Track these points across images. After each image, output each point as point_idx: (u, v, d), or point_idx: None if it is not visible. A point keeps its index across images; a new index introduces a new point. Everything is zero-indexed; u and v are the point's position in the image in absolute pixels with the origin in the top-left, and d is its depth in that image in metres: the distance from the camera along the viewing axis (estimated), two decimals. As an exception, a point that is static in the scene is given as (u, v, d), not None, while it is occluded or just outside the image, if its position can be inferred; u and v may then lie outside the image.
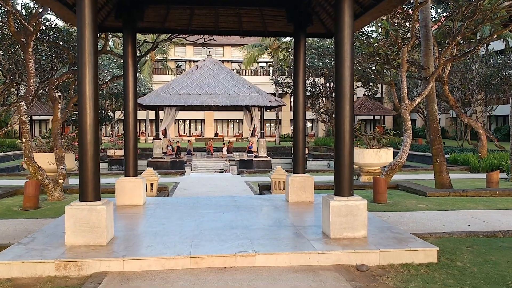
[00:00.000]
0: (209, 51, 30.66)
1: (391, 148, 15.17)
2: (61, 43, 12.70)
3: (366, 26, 13.52)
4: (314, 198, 8.85)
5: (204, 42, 16.01)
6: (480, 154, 20.33)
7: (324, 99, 38.90)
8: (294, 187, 8.79)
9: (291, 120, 50.18)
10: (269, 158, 25.40)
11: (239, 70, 54.27)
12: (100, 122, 35.23)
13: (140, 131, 49.98)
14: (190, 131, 55.05)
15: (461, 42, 16.33)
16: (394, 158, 13.63)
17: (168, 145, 27.00)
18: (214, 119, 53.84)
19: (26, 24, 9.94)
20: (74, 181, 13.94)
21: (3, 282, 4.67)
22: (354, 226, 5.85)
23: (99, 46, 9.33)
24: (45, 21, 12.16)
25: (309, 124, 53.08)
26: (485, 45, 28.99)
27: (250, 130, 27.88)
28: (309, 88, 36.31)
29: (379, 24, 13.66)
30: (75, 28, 5.71)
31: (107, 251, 5.26)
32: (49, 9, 9.37)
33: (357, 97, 39.49)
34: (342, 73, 5.89)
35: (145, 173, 11.51)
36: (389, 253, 5.32)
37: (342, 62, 5.88)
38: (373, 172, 14.98)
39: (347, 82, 5.89)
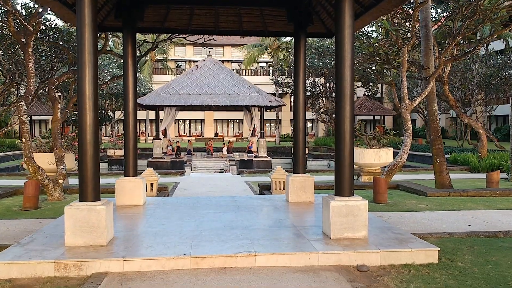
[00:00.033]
0: (209, 51, 30.65)
1: (391, 148, 15.16)
2: (61, 43, 12.68)
3: (366, 26, 13.50)
4: (314, 198, 8.84)
5: (204, 42, 16.00)
6: (480, 154, 20.33)
7: (324, 99, 38.91)
8: (294, 187, 8.78)
9: (291, 120, 50.19)
10: (269, 158, 25.39)
11: (239, 70, 54.26)
12: (100, 122, 35.31)
13: (140, 131, 49.97)
14: (190, 131, 55.04)
15: (461, 42, 16.32)
16: (394, 158, 13.62)
17: (168, 145, 26.99)
18: (214, 119, 53.83)
19: (26, 24, 9.92)
20: (74, 181, 13.92)
21: (2, 282, 4.66)
22: (355, 226, 5.83)
23: (99, 46, 9.32)
24: (45, 21, 12.14)
25: (309, 124, 53.07)
26: (485, 45, 28.96)
27: (250, 130, 27.87)
28: (309, 88, 36.32)
29: (379, 24, 13.63)
30: (75, 28, 5.69)
31: (107, 252, 5.24)
32: (49, 9, 9.36)
33: (357, 97, 39.47)
34: (343, 73, 5.87)
35: (145, 173, 11.49)
36: (389, 254, 5.31)
37: (343, 62, 5.86)
38: (373, 172, 14.97)
39: (347, 82, 5.88)
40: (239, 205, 8.44)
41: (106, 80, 23.81)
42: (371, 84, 36.13)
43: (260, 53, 44.37)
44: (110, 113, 40.41)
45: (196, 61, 42.36)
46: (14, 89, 16.09)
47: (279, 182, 11.77)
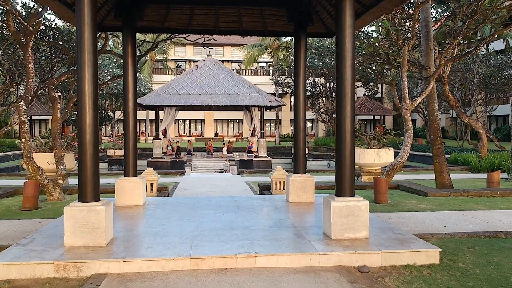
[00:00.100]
0: (209, 51, 30.64)
1: (392, 148, 15.15)
2: (60, 42, 12.65)
3: (367, 26, 13.48)
4: (315, 199, 8.81)
5: (204, 42, 15.97)
6: (480, 154, 20.30)
7: (324, 99, 38.88)
8: (295, 188, 8.75)
9: (291, 120, 50.17)
10: (269, 158, 25.37)
11: (239, 70, 54.25)
12: (100, 122, 35.35)
13: (140, 131, 49.95)
14: (190, 131, 55.02)
15: (462, 42, 16.29)
16: (394, 158, 13.59)
17: (168, 145, 26.96)
18: (214, 119, 53.81)
19: (26, 23, 9.90)
20: (73, 181, 13.89)
21: (1, 283, 4.63)
22: (356, 227, 5.81)
23: (98, 46, 9.30)
24: (44, 21, 12.12)
25: (309, 124, 53.04)
26: (485, 45, 28.92)
27: (250, 130, 27.84)
28: (309, 88, 36.29)
29: (379, 24, 13.61)
30: (75, 27, 5.67)
31: (107, 252, 5.22)
32: (48, 8, 9.33)
33: (357, 97, 39.42)
34: (343, 72, 5.85)
35: (145, 173, 11.47)
36: (390, 254, 5.28)
37: (343, 61, 5.84)
38: (374, 172, 14.95)
39: (348, 81, 5.85)
40: (239, 205, 8.41)
41: (106, 80, 23.81)
42: (371, 84, 36.09)
43: (260, 53, 44.34)
44: (110, 113, 40.38)
45: (196, 61, 42.35)
46: (14, 89, 16.05)
47: (279, 182, 11.74)
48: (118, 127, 48.14)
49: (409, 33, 13.96)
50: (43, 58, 14.19)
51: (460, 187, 12.14)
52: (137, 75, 17.51)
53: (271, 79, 43.80)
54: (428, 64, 12.65)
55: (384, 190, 9.58)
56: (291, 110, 46.89)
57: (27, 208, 8.86)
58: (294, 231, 6.32)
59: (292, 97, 37.45)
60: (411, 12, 13.82)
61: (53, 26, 12.46)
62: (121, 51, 9.34)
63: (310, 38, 22.08)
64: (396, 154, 14.38)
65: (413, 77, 16.25)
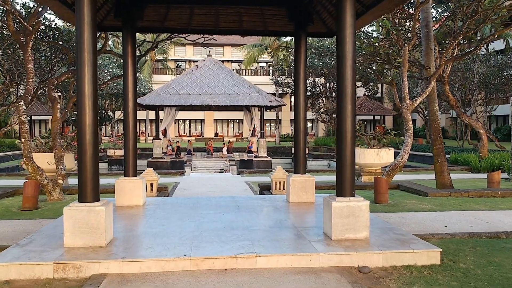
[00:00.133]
0: (209, 51, 30.64)
1: (392, 148, 15.13)
2: (60, 42, 12.63)
3: (367, 26, 13.47)
4: (315, 199, 8.79)
5: (204, 42, 15.95)
6: (480, 154, 20.29)
7: (324, 99, 38.87)
8: (295, 188, 8.73)
9: (291, 120, 50.16)
10: (269, 158, 25.35)
11: (239, 70, 54.24)
12: (100, 122, 35.34)
13: (140, 131, 49.94)
14: (190, 131, 55.01)
15: (462, 41, 16.28)
16: (394, 158, 13.58)
17: (168, 145, 26.94)
18: (214, 119, 53.80)
19: (25, 23, 9.88)
20: (73, 181, 13.87)
21: (1, 284, 4.61)
22: (356, 227, 5.79)
23: (98, 46, 9.28)
24: (44, 21, 12.10)
25: (309, 124, 53.03)
26: (485, 45, 28.92)
27: (250, 130, 27.83)
28: (309, 88, 36.29)
29: (380, 24, 13.59)
30: (75, 27, 5.65)
31: (106, 253, 5.20)
32: (48, 8, 9.31)
33: (357, 97, 39.42)
34: (344, 72, 5.83)
35: (145, 173, 11.45)
36: (391, 255, 5.26)
37: (344, 61, 5.82)
38: (374, 172, 14.94)
39: (349, 81, 5.83)
40: (239, 206, 8.40)
41: (106, 80, 23.78)
42: (371, 84, 36.09)
43: (260, 53, 44.33)
44: (110, 113, 40.36)
45: (196, 61, 42.35)
46: (13, 89, 16.04)
47: (280, 182, 11.72)
48: (118, 127, 48.13)
49: (409, 33, 13.94)
50: (43, 58, 14.16)
51: (461, 187, 12.12)
52: (137, 75, 17.49)
53: (271, 79, 43.80)
54: (428, 64, 12.64)
55: (385, 190, 9.56)
56: (291, 110, 46.93)
57: (26, 208, 8.85)
58: (295, 232, 6.30)
59: (292, 97, 37.46)
60: (412, 12, 13.81)
61: (53, 26, 12.44)
62: (121, 51, 9.33)
63: (310, 38, 22.04)
64: (396, 154, 14.36)
65: (413, 77, 16.23)
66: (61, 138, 11.19)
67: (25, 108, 9.82)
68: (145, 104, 24.00)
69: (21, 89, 16.74)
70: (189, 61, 55.19)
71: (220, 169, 24.40)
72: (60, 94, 31.66)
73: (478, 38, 26.03)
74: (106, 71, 33.17)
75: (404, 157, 11.55)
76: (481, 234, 6.56)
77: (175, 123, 48.96)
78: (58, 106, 10.76)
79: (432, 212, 8.55)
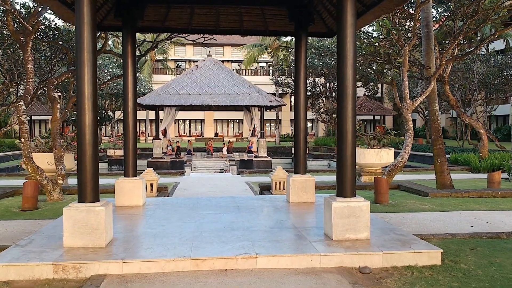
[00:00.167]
0: (209, 51, 30.63)
1: (392, 148, 15.12)
2: (60, 42, 12.60)
3: (367, 26, 13.45)
4: (315, 199, 8.77)
5: (204, 42, 15.93)
6: (481, 154, 20.23)
7: (324, 99, 38.85)
8: (295, 188, 8.71)
9: (291, 120, 50.16)
10: (269, 158, 25.33)
11: (239, 70, 54.22)
12: (99, 122, 35.32)
13: (140, 131, 49.92)
14: (190, 131, 54.99)
15: (462, 41, 16.26)
16: (395, 158, 13.56)
17: (168, 145, 26.92)
18: (214, 119, 53.78)
19: (25, 23, 9.86)
20: (73, 181, 13.85)
21: (0, 285, 4.59)
22: (357, 227, 5.77)
23: (98, 46, 9.27)
24: (44, 21, 12.07)
25: (309, 124, 53.00)
26: (485, 44, 28.91)
27: (250, 130, 27.81)
28: (309, 88, 36.25)
29: (380, 23, 13.58)
30: (75, 27, 5.63)
31: (106, 253, 5.18)
32: (48, 8, 9.29)
33: (357, 97, 39.38)
34: (345, 72, 5.81)
35: (144, 173, 11.43)
36: (392, 255, 5.24)
37: (345, 61, 5.80)
38: (374, 172, 14.92)
39: (349, 81, 5.81)
40: (239, 206, 8.38)
41: (105, 80, 23.75)
42: (372, 84, 36.08)
43: (260, 53, 44.32)
44: (110, 113, 40.34)
45: (196, 61, 42.32)
46: (13, 89, 16.02)
47: (280, 182, 11.70)
48: (118, 127, 48.10)
49: (409, 33, 13.92)
50: (43, 58, 14.14)
51: (461, 187, 12.11)
52: (137, 75, 17.47)
53: (271, 79, 43.78)
54: (428, 64, 12.62)
55: (385, 191, 9.54)
56: (291, 110, 46.92)
57: (26, 208, 8.83)
58: (295, 232, 6.28)
59: (292, 97, 37.41)
60: (412, 11, 13.79)
61: (52, 25, 12.42)
62: (121, 51, 9.31)
63: (310, 38, 22.01)
64: (396, 154, 14.35)
65: (414, 77, 16.21)
66: (61, 138, 11.18)
67: (25, 108, 9.80)
68: (145, 104, 23.98)
69: (21, 89, 16.72)
70: (189, 61, 55.17)
71: (220, 169, 24.38)
72: (60, 94, 31.66)
73: (478, 38, 26.03)
74: (106, 71, 33.15)
75: (404, 157, 11.53)
76: (482, 235, 6.54)
77: (175, 123, 48.94)
78: (58, 106, 10.75)
79: (433, 212, 8.54)
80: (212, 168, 24.54)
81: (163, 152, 25.48)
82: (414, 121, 45.57)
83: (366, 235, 5.79)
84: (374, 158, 14.49)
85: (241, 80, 26.44)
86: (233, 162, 24.67)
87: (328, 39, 31.82)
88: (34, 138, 14.89)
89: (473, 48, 14.13)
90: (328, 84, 38.38)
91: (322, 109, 38.27)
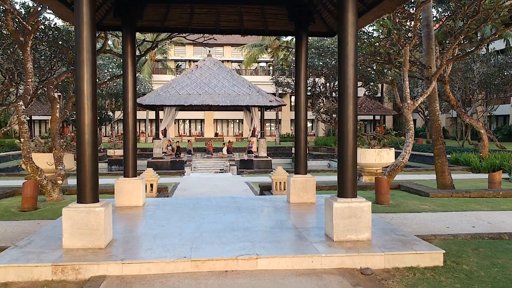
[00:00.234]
0: (209, 51, 30.59)
1: (393, 148, 15.09)
2: (60, 42, 12.58)
3: (367, 26, 13.42)
4: (316, 199, 8.74)
5: (204, 42, 15.89)
6: (481, 154, 20.23)
7: (324, 99, 38.83)
8: (296, 188, 8.68)
9: (291, 120, 50.14)
10: (269, 158, 25.30)
11: (239, 70, 54.19)
12: (99, 122, 35.27)
13: (140, 131, 49.88)
14: (190, 131, 54.95)
15: (463, 41, 16.23)
16: (395, 158, 13.52)
17: (168, 145, 26.88)
18: (214, 119, 53.75)
19: (25, 23, 9.82)
20: (73, 181, 13.81)
21: (-2, 286, 4.56)
22: (358, 228, 5.73)
23: (98, 45, 9.23)
24: (43, 20, 12.04)
25: (309, 124, 52.97)
26: (486, 44, 28.88)
27: (250, 130, 27.77)
28: (309, 88, 36.24)
29: (380, 23, 13.56)
30: (74, 27, 5.60)
31: (106, 254, 5.14)
32: (47, 7, 9.26)
33: (358, 97, 39.37)
34: (346, 71, 5.77)
35: (144, 174, 11.39)
36: (394, 256, 5.20)
37: (346, 60, 5.76)
38: (375, 172, 14.88)
39: (350, 81, 5.77)
40: (239, 206, 8.34)
41: (105, 80, 23.71)
42: (372, 84, 36.06)
43: (260, 53, 44.29)
44: (110, 113, 40.30)
45: (196, 61, 42.28)
46: (13, 89, 16.00)
47: (280, 182, 11.66)
48: (118, 127, 48.06)
49: (410, 33, 13.90)
50: (43, 57, 14.12)
51: (462, 188, 12.07)
52: (137, 75, 17.44)
53: (271, 79, 43.76)
54: (429, 63, 12.59)
55: (386, 191, 9.51)
56: (291, 110, 46.91)
57: (26, 208, 8.79)
58: (296, 233, 6.25)
59: (292, 97, 37.38)
60: (412, 11, 13.77)
61: (52, 25, 12.39)
62: (121, 51, 9.27)
63: (310, 38, 22.02)
64: (397, 154, 14.32)
65: (414, 77, 16.19)
66: (60, 138, 11.14)
67: (25, 108, 9.77)
68: (145, 104, 23.94)
69: (20, 89, 16.70)
70: (189, 61, 55.13)
71: (220, 169, 24.34)
72: (59, 94, 31.63)
73: (479, 38, 25.99)
74: (105, 71, 33.12)
75: (405, 157, 11.50)
76: (483, 235, 6.50)
77: (175, 123, 48.90)
78: (58, 106, 10.71)
79: (434, 212, 8.50)
80: (212, 168, 24.50)
81: (163, 152, 25.44)
82: (414, 121, 45.55)
83: (367, 235, 5.76)
84: (374, 158, 14.46)
85: (241, 80, 26.40)
86: (233, 162, 24.63)
87: (328, 39, 31.80)
88: (33, 138, 14.86)
89: (473, 48, 14.10)
90: (328, 84, 38.35)
91: (322, 109, 38.25)
